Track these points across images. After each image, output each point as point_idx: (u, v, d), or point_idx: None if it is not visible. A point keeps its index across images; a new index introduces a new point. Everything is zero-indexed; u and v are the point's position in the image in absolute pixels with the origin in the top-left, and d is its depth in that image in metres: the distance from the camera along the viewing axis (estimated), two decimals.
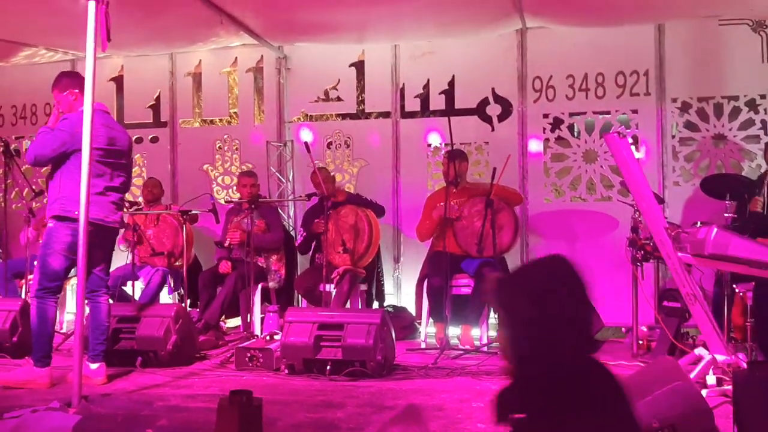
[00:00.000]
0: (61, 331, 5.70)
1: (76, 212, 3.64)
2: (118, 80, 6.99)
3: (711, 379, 3.60)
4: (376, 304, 5.86)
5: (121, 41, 5.55)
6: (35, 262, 4.24)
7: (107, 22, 3.58)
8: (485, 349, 4.94)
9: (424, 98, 6.30)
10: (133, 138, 6.91)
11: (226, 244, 5.81)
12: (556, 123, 6.01)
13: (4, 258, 6.18)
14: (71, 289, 6.30)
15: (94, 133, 3.80)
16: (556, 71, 6.00)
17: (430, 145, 6.30)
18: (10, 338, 4.72)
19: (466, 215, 5.19)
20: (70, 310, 6.31)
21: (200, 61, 6.83)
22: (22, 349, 4.73)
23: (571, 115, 5.99)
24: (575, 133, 6.01)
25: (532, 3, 5.24)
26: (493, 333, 5.13)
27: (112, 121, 4.31)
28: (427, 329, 5.29)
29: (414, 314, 5.68)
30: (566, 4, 5.25)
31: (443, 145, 6.15)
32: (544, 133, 6.03)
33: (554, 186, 6.05)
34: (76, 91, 4.04)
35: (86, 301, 3.96)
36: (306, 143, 5.17)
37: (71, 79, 4.17)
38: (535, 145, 6.04)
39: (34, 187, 6.34)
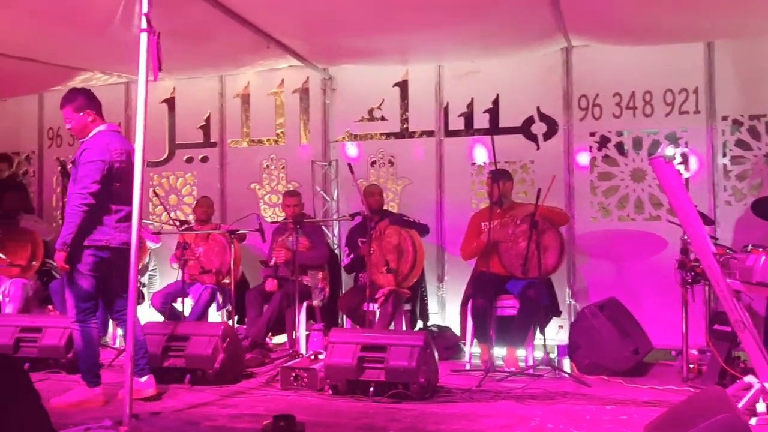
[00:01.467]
0: (114, 346, 5.88)
1: (100, 240, 3.94)
2: (170, 102, 7.20)
3: (761, 407, 3.49)
4: (420, 324, 5.86)
5: (172, 66, 5.74)
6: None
7: (158, 52, 3.71)
8: (530, 371, 4.88)
9: (468, 117, 6.31)
10: (184, 158, 7.20)
11: (272, 263, 5.90)
12: (603, 141, 5.94)
13: (60, 275, 6.39)
14: None
15: (118, 158, 4.03)
16: (602, 89, 5.94)
17: (474, 164, 6.30)
18: (65, 354, 4.88)
19: (511, 235, 5.17)
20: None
21: (248, 82, 6.98)
22: (77, 366, 4.89)
23: (619, 133, 5.92)
24: (623, 152, 5.93)
25: (576, 23, 5.20)
26: (538, 355, 5.08)
27: (126, 142, 4.32)
28: (471, 350, 5.27)
29: (458, 334, 5.66)
30: (611, 24, 5.19)
31: (487, 164, 6.14)
32: (590, 151, 5.97)
33: (601, 205, 5.97)
34: (93, 113, 4.12)
35: (116, 322, 4.08)
36: (349, 164, 5.23)
37: (89, 101, 4.14)
38: (581, 164, 5.98)
39: None
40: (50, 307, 6.53)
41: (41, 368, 4.89)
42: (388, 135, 6.60)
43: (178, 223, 6.02)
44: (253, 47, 5.44)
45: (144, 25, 3.67)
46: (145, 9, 3.67)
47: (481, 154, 6.26)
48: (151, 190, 6.74)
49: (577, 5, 4.76)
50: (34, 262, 6.50)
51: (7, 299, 6.28)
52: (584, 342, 4.95)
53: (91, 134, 4.12)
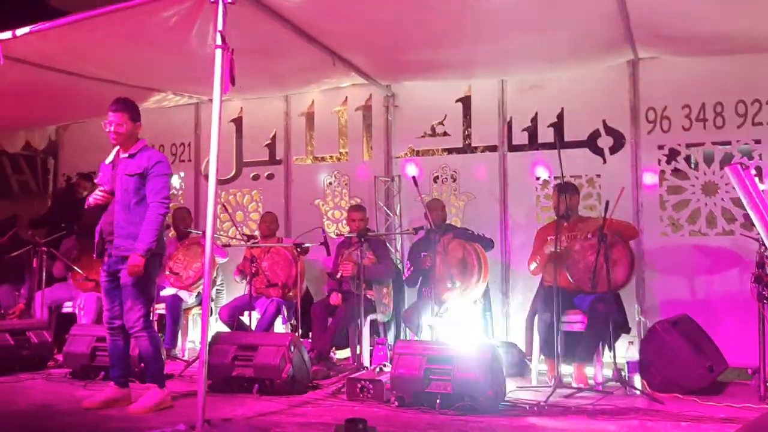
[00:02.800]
0: (184, 358, 6.03)
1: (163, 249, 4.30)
2: (238, 121, 7.42)
3: None
4: (485, 340, 5.80)
5: (241, 85, 5.87)
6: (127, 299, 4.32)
7: (232, 67, 3.84)
8: (600, 388, 4.77)
9: (532, 131, 6.28)
10: (251, 175, 7.38)
11: (338, 276, 5.96)
12: (672, 154, 5.81)
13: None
14: (192, 318, 6.66)
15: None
16: (670, 101, 5.83)
17: (538, 179, 6.24)
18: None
19: (578, 249, 5.09)
20: (191, 338, 6.66)
21: (313, 101, 7.14)
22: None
23: (688, 146, 5.78)
24: (693, 165, 5.78)
25: (644, 34, 5.13)
26: (607, 372, 4.96)
27: None
28: (538, 366, 5.18)
29: (524, 350, 5.58)
30: (682, 35, 5.10)
31: (553, 178, 6.08)
32: (659, 164, 5.84)
33: (671, 219, 5.82)
34: (140, 124, 4.37)
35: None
36: (414, 177, 5.27)
37: (138, 112, 4.37)
38: (649, 178, 5.86)
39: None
40: None
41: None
42: (451, 150, 6.62)
43: (245, 237, 6.15)
44: (318, 65, 5.56)
45: (219, 41, 3.81)
46: (220, 26, 3.81)
47: (542, 172, 6.20)
48: (219, 205, 6.91)
49: (647, 17, 4.70)
50: None
51: (81, 312, 6.53)
52: (656, 359, 4.81)
53: (137, 146, 4.31)
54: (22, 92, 5.95)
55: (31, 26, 4.41)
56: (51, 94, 6.11)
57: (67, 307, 6.68)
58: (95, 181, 4.31)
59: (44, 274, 6.34)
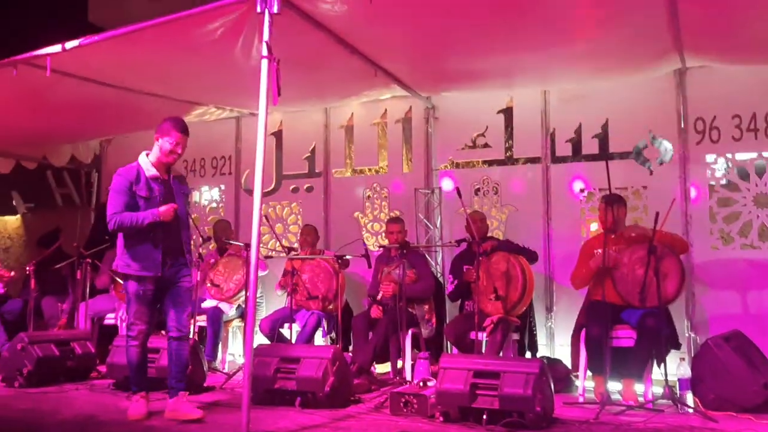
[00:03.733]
0: (224, 371, 6.02)
1: None
2: (278, 134, 7.45)
3: None
4: (528, 355, 5.68)
5: (282, 97, 5.92)
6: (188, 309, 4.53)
7: (278, 78, 3.84)
8: (650, 405, 4.61)
9: (576, 143, 6.17)
10: (290, 188, 7.39)
11: (379, 298, 5.88)
12: (722, 165, 5.65)
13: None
14: (232, 330, 6.66)
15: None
16: (720, 111, 5.68)
17: (583, 191, 6.13)
18: (185, 369, 5.00)
19: (627, 263, 4.95)
20: (231, 351, 6.66)
21: (352, 114, 7.14)
22: (191, 386, 5.02)
23: (739, 157, 5.61)
24: (744, 176, 5.61)
25: (694, 42, 5.00)
26: (657, 389, 4.80)
27: None
28: (584, 383, 5.05)
29: (569, 366, 5.44)
30: (734, 42, 4.96)
31: (598, 190, 5.96)
32: (708, 176, 5.68)
33: (722, 232, 5.66)
34: None
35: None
36: (457, 188, 5.20)
37: None
38: (699, 190, 5.70)
39: (202, 234, 6.82)
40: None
41: (158, 388, 5.03)
42: (492, 162, 6.54)
43: (285, 250, 6.14)
44: (360, 76, 5.55)
45: (265, 51, 3.81)
46: (266, 36, 3.82)
47: (589, 182, 6.08)
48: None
49: (699, 25, 4.59)
50: None
51: (123, 323, 6.56)
52: (708, 375, 4.64)
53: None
54: (69, 106, 6.06)
55: (80, 39, 4.48)
56: (96, 108, 6.20)
57: (110, 319, 6.74)
58: (143, 194, 4.22)
59: (87, 285, 6.41)
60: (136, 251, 4.20)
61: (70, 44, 4.50)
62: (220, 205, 7.77)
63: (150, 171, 4.27)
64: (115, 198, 4.18)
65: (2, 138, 7.11)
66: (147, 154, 4.32)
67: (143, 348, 4.33)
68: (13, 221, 9.38)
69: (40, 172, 8.43)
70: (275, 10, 3.81)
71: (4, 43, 5.17)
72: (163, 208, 4.17)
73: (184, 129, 4.30)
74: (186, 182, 4.54)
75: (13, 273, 6.77)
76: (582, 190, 6.13)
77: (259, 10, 3.82)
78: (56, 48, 4.55)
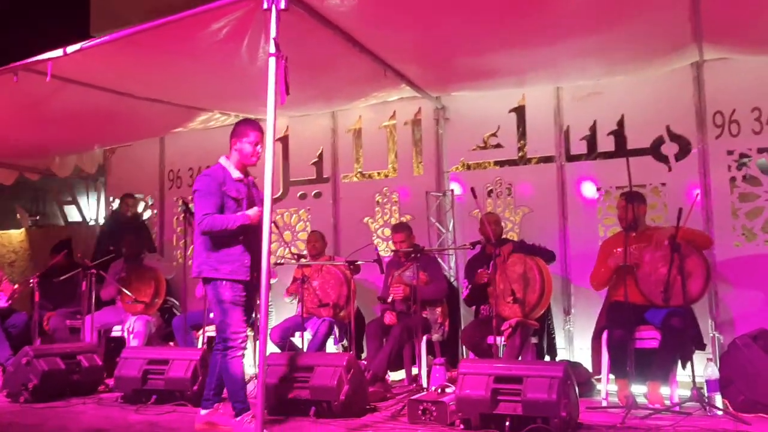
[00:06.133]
0: None
1: None
2: (284, 140, 7.33)
3: None
4: (547, 359, 5.52)
5: (288, 101, 5.81)
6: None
7: (286, 76, 3.71)
8: (677, 408, 4.44)
9: (591, 140, 6.02)
10: (298, 194, 7.27)
11: (389, 300, 5.75)
12: (743, 160, 5.49)
13: (183, 311, 6.50)
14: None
15: None
16: (739, 104, 5.52)
17: (600, 189, 5.97)
18: (191, 387, 4.88)
19: (648, 261, 4.79)
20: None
21: (360, 117, 7.01)
22: (202, 398, 4.87)
23: (760, 150, 5.46)
24: (766, 170, 5.45)
25: (714, 32, 4.85)
26: (683, 391, 4.63)
27: None
28: (608, 386, 4.88)
29: (590, 370, 5.27)
30: (754, 32, 4.80)
31: (615, 188, 5.80)
32: (729, 171, 5.53)
33: (744, 228, 5.49)
34: None
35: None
36: (472, 189, 5.05)
37: None
38: (719, 185, 5.54)
39: None
40: (171, 344, 6.65)
41: (168, 400, 4.90)
42: (504, 163, 6.40)
43: (295, 257, 6.00)
44: (369, 76, 5.41)
45: (272, 49, 3.69)
46: (273, 33, 3.69)
47: (606, 179, 5.93)
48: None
49: (719, 14, 4.43)
50: (156, 300, 6.65)
51: (131, 336, 6.44)
52: (738, 376, 4.46)
53: None
54: (72, 115, 5.95)
55: (82, 43, 4.36)
56: (100, 116, 6.09)
57: (116, 331, 6.60)
58: (233, 194, 4.03)
59: (93, 297, 6.27)
60: (225, 254, 3.99)
61: (71, 48, 4.39)
62: None
63: (235, 173, 4.12)
64: (206, 199, 4.00)
65: (4, 149, 7.01)
66: (226, 158, 4.19)
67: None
68: (17, 235, 9.27)
69: (44, 183, 8.32)
70: (282, 5, 3.69)
71: (5, 56, 5.06)
72: (252, 212, 4.03)
73: (261, 128, 4.16)
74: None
75: (16, 286, 6.65)
76: (599, 189, 5.97)
77: (266, 6, 3.70)
78: (58, 52, 4.43)
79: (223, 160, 4.19)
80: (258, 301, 4.20)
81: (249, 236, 4.00)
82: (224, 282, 3.98)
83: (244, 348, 4.05)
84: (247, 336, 4.08)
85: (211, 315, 6.12)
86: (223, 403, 4.15)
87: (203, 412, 4.10)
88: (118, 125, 6.64)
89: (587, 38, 4.90)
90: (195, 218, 4.03)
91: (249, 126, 4.17)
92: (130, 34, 4.27)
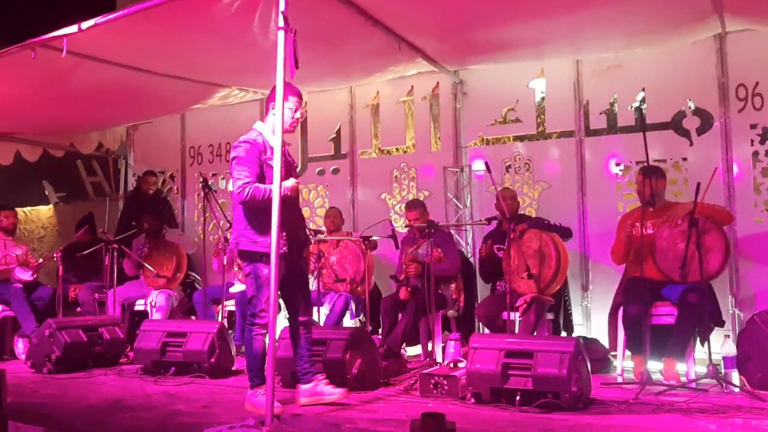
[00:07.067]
0: None
1: None
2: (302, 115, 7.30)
3: None
4: (564, 335, 5.49)
5: (304, 76, 5.80)
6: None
7: (295, 50, 3.68)
8: (693, 385, 4.40)
9: (611, 114, 5.93)
10: (316, 170, 7.28)
11: (402, 278, 5.75)
12: (767, 134, 5.37)
13: (203, 286, 6.59)
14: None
15: None
16: (763, 77, 5.40)
17: (619, 164, 5.88)
18: (208, 359, 4.96)
19: (667, 237, 4.72)
20: None
21: (378, 92, 6.98)
22: (219, 370, 4.97)
23: None
24: None
25: (735, 2, 4.72)
26: (700, 368, 4.58)
27: None
28: (623, 362, 4.85)
29: (607, 346, 5.24)
30: None
31: (635, 163, 5.72)
32: (752, 145, 5.42)
33: (766, 204, 5.38)
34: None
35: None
36: (486, 164, 5.00)
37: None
38: (741, 160, 5.42)
39: (229, 219, 6.76)
40: (193, 317, 6.76)
41: (186, 372, 4.99)
42: (523, 137, 6.33)
43: (312, 233, 6.03)
44: (384, 51, 5.38)
45: (281, 23, 3.66)
46: (282, 7, 3.67)
47: (626, 154, 5.83)
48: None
49: None
50: (178, 274, 6.75)
51: (154, 309, 6.55)
52: (756, 353, 4.40)
53: None
54: (93, 91, 6.01)
55: (95, 18, 4.39)
56: (120, 93, 6.14)
57: (140, 305, 6.72)
58: (272, 163, 3.74)
59: (116, 271, 6.39)
60: (263, 226, 3.70)
61: (86, 24, 4.42)
62: None
63: (272, 140, 3.88)
64: (245, 167, 3.79)
65: (28, 126, 7.12)
66: (262, 122, 4.00)
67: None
68: (45, 211, 9.44)
69: (69, 160, 8.45)
70: None
71: (34, 32, 5.07)
72: (290, 183, 3.88)
73: (300, 94, 4.03)
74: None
75: (41, 260, 6.80)
76: (618, 164, 5.89)
77: None
78: (72, 28, 4.47)
79: (258, 125, 4.01)
80: (305, 272, 4.13)
81: (287, 208, 3.81)
82: (263, 256, 3.78)
83: (266, 327, 3.89)
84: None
85: (231, 289, 6.28)
86: (321, 374, 4.09)
87: (305, 386, 3.99)
88: (138, 102, 6.70)
89: (606, 8, 4.80)
90: (233, 187, 3.84)
91: (288, 90, 3.85)
92: (142, 9, 4.28)
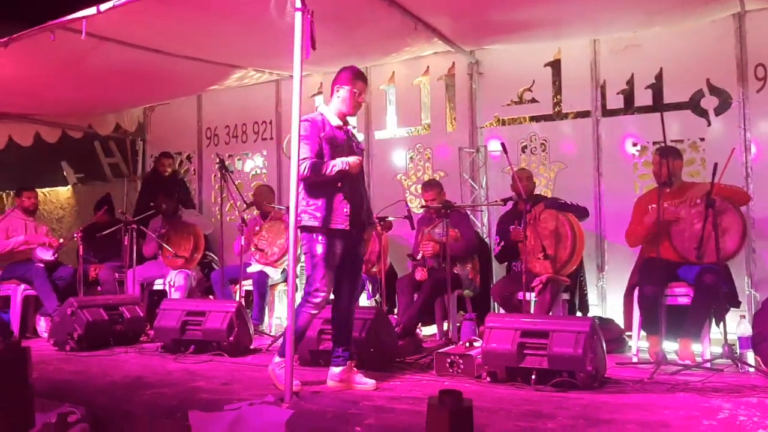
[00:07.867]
0: (270, 333, 6.04)
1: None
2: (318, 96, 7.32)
3: None
4: (579, 315, 5.51)
5: (321, 57, 5.79)
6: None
7: (312, 31, 3.70)
8: (708, 365, 4.42)
9: (628, 94, 5.89)
10: None
11: (419, 257, 5.79)
12: None
13: (221, 266, 6.67)
14: (278, 294, 6.66)
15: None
16: None
17: (636, 144, 5.86)
18: (227, 337, 5.03)
19: (684, 217, 4.71)
20: (278, 314, 6.67)
21: (393, 72, 6.96)
22: (238, 349, 5.04)
23: None
24: None
25: None
26: (715, 349, 4.59)
27: None
28: (638, 343, 4.87)
29: (622, 326, 5.26)
30: None
31: (652, 143, 5.69)
32: None
33: None
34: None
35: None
36: (503, 144, 5.00)
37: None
38: (760, 140, 5.38)
39: (246, 200, 6.82)
40: (211, 297, 6.84)
41: (205, 350, 5.08)
42: (539, 118, 6.31)
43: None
44: (400, 31, 5.37)
45: (298, 4, 3.68)
46: None
47: (642, 134, 5.80)
48: None
49: None
50: (196, 254, 6.83)
51: (172, 289, 6.64)
52: None
53: None
54: (111, 73, 6.05)
55: (113, 0, 4.42)
56: (137, 74, 6.19)
57: (158, 285, 6.81)
58: (332, 142, 3.87)
59: (135, 251, 6.48)
60: (324, 202, 3.83)
61: (104, 6, 4.45)
62: (263, 171, 7.74)
63: (335, 120, 3.98)
64: (306, 144, 3.85)
65: (48, 107, 7.19)
66: (326, 104, 4.08)
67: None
68: (64, 192, 9.55)
69: (87, 141, 8.52)
70: None
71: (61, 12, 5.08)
72: (352, 159, 3.88)
73: (365, 78, 4.11)
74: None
75: (62, 240, 6.90)
76: (635, 144, 5.86)
77: None
78: (91, 10, 4.50)
79: (322, 107, 4.11)
80: (362, 256, 4.13)
81: (350, 185, 3.89)
82: (321, 234, 3.84)
83: (320, 308, 3.95)
84: (326, 298, 3.92)
85: (249, 269, 6.34)
86: (354, 360, 4.10)
87: (336, 369, 3.98)
88: (155, 83, 6.74)
89: None
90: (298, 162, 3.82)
91: (354, 74, 4.01)
92: None
